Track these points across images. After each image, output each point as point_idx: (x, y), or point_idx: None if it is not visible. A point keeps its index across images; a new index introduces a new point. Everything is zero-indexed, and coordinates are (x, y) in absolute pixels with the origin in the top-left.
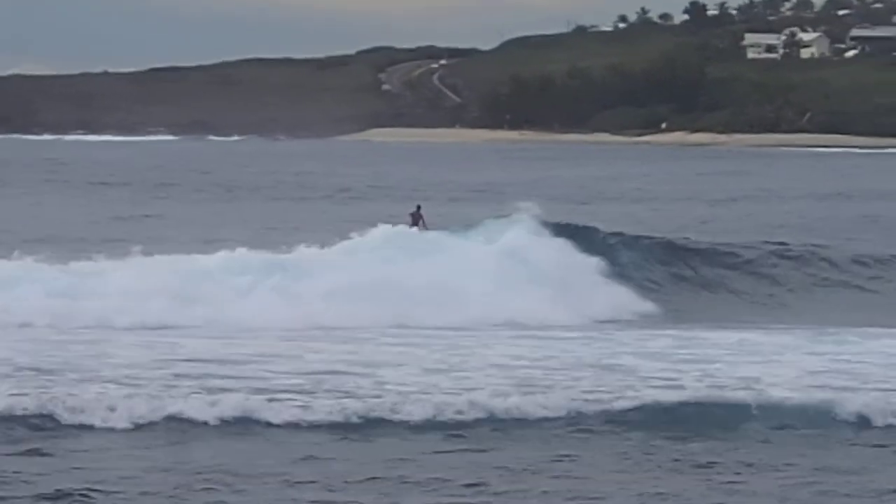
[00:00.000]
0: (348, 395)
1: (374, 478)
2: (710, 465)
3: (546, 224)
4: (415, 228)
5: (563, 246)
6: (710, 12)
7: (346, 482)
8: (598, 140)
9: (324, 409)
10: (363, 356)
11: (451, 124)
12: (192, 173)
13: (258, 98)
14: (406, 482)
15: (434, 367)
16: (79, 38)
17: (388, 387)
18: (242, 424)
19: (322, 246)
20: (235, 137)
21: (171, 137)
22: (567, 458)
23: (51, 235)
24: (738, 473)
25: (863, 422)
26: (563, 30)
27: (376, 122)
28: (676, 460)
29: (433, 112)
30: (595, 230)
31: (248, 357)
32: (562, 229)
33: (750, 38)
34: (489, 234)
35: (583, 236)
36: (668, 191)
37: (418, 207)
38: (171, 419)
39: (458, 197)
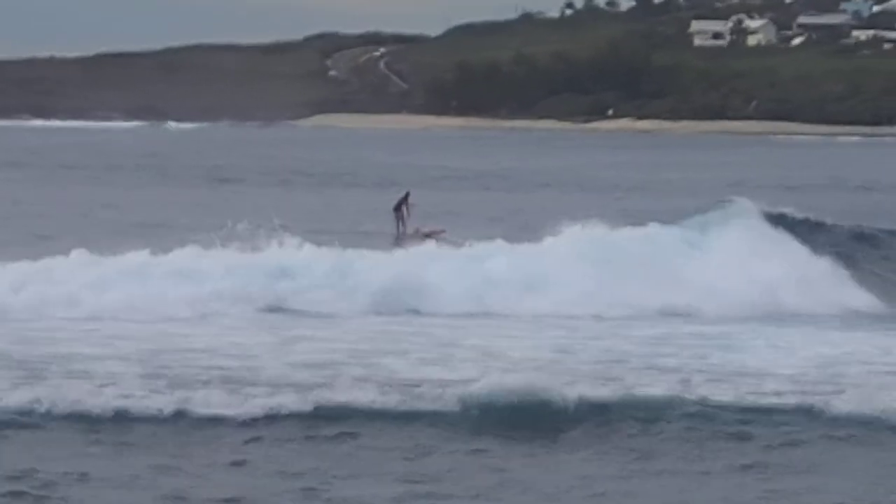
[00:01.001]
0: None
1: None
2: None
3: (772, 216)
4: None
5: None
6: None
7: None
8: (544, 127)
9: None
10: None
11: (397, 110)
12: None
13: (205, 84)
14: None
15: None
16: (25, 23)
17: None
18: None
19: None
20: (191, 124)
21: (126, 123)
22: None
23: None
24: None
25: None
26: (510, 16)
27: (323, 108)
28: None
29: (379, 98)
30: (823, 223)
31: None
32: (796, 223)
33: (696, 25)
34: (707, 227)
35: (816, 230)
36: (710, 178)
37: (407, 194)
38: None
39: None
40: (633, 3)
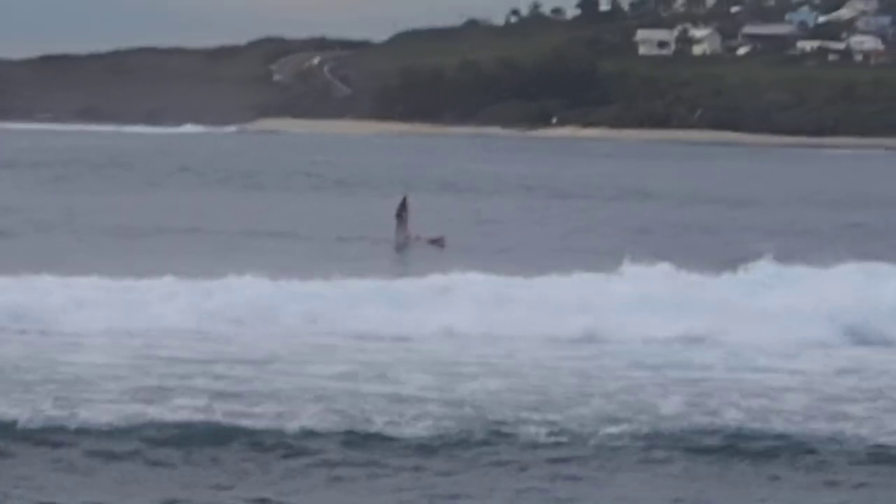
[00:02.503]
0: None
1: None
2: None
3: None
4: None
5: None
6: (603, 7)
7: None
8: (489, 133)
9: None
10: None
11: (341, 115)
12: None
13: (151, 87)
14: None
15: None
16: None
17: None
18: None
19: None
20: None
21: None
22: None
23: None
24: None
25: None
26: (456, 22)
27: (267, 112)
28: None
29: (324, 103)
30: None
31: None
32: None
33: (642, 33)
34: None
35: None
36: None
37: (404, 198)
38: None
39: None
40: (579, 11)
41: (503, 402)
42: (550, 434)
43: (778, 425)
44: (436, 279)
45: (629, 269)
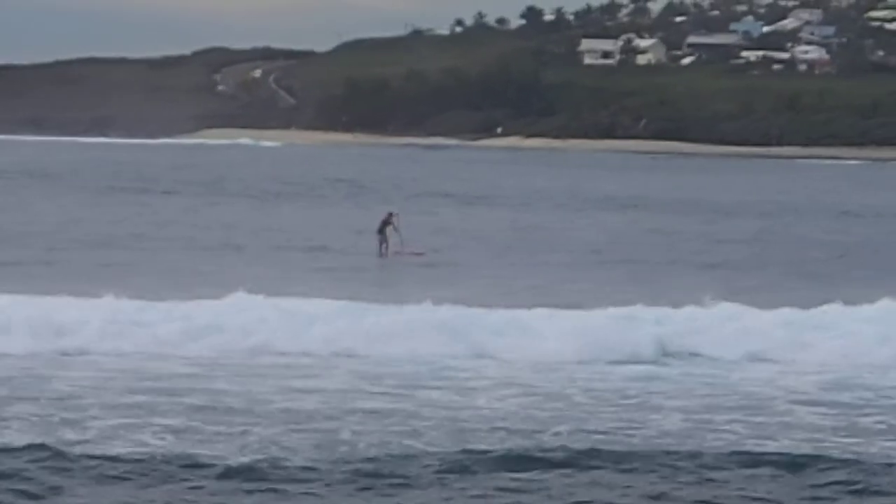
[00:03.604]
0: None
1: None
2: None
3: None
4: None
5: None
6: (547, 17)
7: None
8: (434, 143)
9: None
10: None
11: (286, 126)
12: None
13: (95, 97)
14: None
15: None
16: None
17: None
18: None
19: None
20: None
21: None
22: None
23: None
24: None
25: None
26: (401, 32)
27: (211, 122)
28: None
29: (268, 113)
30: None
31: None
32: None
33: (586, 43)
34: None
35: None
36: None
37: (390, 214)
38: None
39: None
40: (524, 21)
41: None
42: None
43: None
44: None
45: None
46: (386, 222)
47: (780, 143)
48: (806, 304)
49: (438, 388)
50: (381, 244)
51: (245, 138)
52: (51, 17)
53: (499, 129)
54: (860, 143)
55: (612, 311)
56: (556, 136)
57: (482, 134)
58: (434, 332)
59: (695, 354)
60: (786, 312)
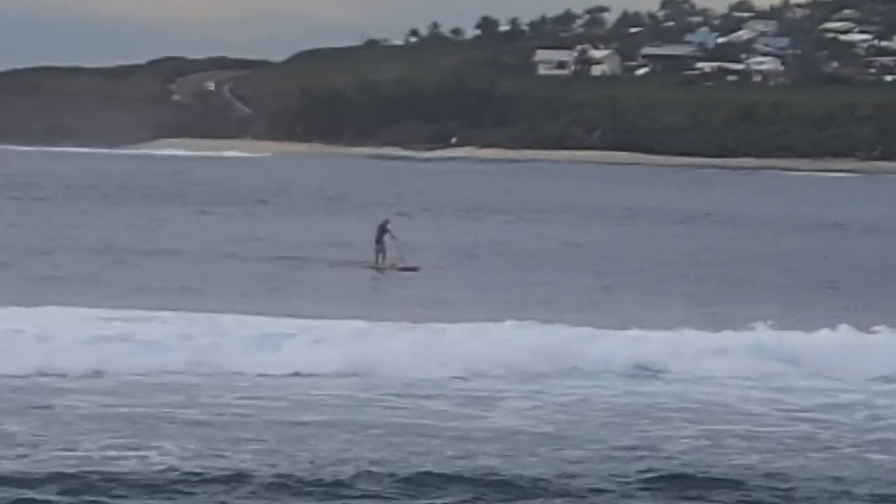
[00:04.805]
0: None
1: None
2: None
3: None
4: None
5: None
6: (502, 28)
7: None
8: (387, 154)
9: None
10: None
11: (240, 135)
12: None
13: (48, 107)
14: None
15: None
16: None
17: None
18: None
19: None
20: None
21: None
22: None
23: None
24: None
25: None
26: (355, 42)
27: (165, 132)
28: None
29: (222, 123)
30: None
31: None
32: None
33: (541, 54)
34: None
35: None
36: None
37: (386, 222)
38: None
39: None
40: (478, 32)
41: None
42: None
43: None
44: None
45: None
46: (383, 230)
47: (734, 155)
48: None
49: None
50: (378, 255)
51: (206, 150)
52: (4, 25)
53: (453, 140)
54: (814, 155)
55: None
56: (510, 147)
57: (436, 144)
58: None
59: None
60: None
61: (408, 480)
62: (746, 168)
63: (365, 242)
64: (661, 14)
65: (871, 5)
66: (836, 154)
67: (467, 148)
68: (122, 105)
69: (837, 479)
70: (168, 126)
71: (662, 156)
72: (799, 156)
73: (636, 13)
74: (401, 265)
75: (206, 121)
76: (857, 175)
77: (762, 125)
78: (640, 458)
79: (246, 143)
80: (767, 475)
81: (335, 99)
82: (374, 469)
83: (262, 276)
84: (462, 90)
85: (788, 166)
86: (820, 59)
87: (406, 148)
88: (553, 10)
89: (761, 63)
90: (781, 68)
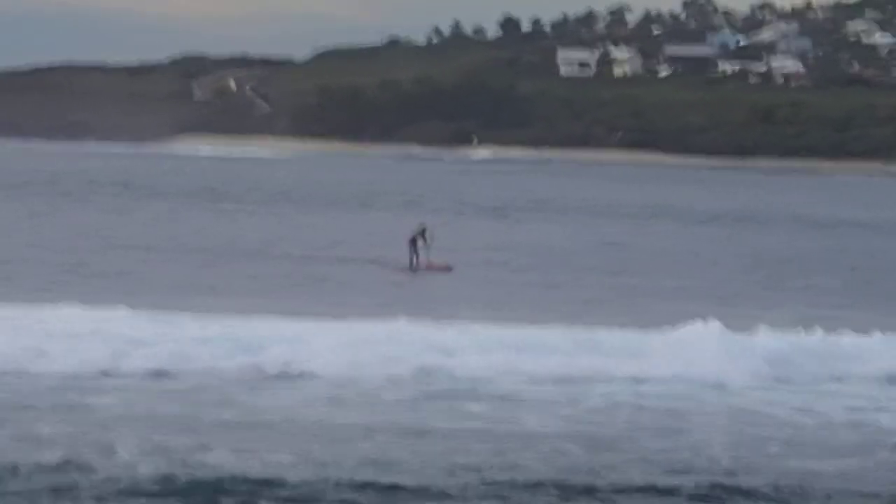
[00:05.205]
0: None
1: None
2: None
3: None
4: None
5: None
6: (524, 27)
7: None
8: (409, 153)
9: None
10: None
11: (260, 134)
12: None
13: (71, 103)
14: None
15: None
16: None
17: None
18: None
19: None
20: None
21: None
22: None
23: None
24: None
25: None
26: (377, 42)
27: (187, 129)
28: None
29: (243, 121)
30: None
31: None
32: None
33: (563, 54)
34: None
35: None
36: None
37: (424, 230)
38: None
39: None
40: (500, 32)
41: None
42: None
43: None
44: None
45: None
46: (418, 234)
47: (754, 155)
48: None
49: None
50: (413, 256)
51: (228, 147)
52: (27, 23)
53: (474, 140)
54: (834, 156)
55: None
56: (531, 147)
57: (457, 143)
58: None
59: None
60: None
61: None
62: (766, 168)
63: (399, 243)
64: (683, 14)
65: (892, 7)
66: (856, 155)
67: (488, 147)
68: (144, 103)
69: None
70: (189, 124)
71: (683, 156)
72: (819, 157)
73: (658, 13)
74: (434, 265)
75: (227, 119)
76: (875, 178)
77: (782, 126)
78: None
79: (267, 140)
80: None
81: (356, 98)
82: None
83: (291, 275)
84: (483, 90)
85: (808, 167)
86: (841, 60)
87: (426, 146)
88: (575, 10)
89: (783, 64)
90: (802, 70)
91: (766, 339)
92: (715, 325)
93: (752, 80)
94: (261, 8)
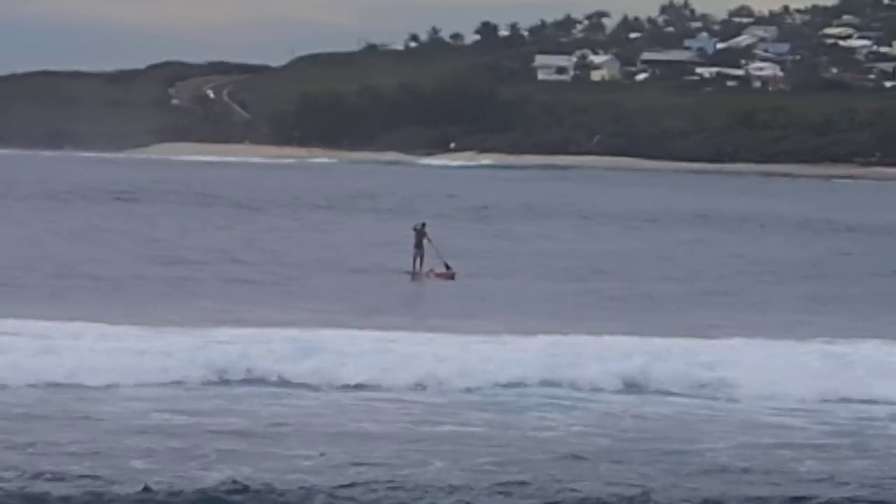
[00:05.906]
0: None
1: None
2: None
3: None
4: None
5: None
6: (502, 33)
7: None
8: (389, 160)
9: None
10: None
11: (239, 140)
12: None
13: (49, 110)
14: None
15: None
16: None
17: None
18: None
19: None
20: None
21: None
22: None
23: None
24: None
25: None
26: (355, 47)
27: (165, 136)
28: None
29: (222, 128)
30: None
31: None
32: None
33: (541, 59)
34: None
35: None
36: None
37: (423, 225)
38: None
39: None
40: (478, 37)
41: None
42: None
43: None
44: None
45: None
46: (421, 235)
47: (733, 160)
48: None
49: None
50: (415, 259)
51: (211, 155)
52: (5, 29)
53: (452, 145)
54: (813, 160)
55: None
56: (510, 152)
57: (436, 149)
58: None
59: None
60: None
61: None
62: (746, 173)
63: (403, 247)
64: (660, 19)
65: (870, 11)
66: (836, 159)
67: (467, 153)
68: (124, 109)
69: None
70: (169, 130)
71: (662, 161)
72: (798, 161)
73: (636, 18)
74: (437, 272)
75: (206, 125)
76: (856, 181)
77: (762, 130)
78: None
79: (245, 147)
80: None
81: (335, 104)
82: None
83: (299, 282)
84: (463, 95)
85: (788, 171)
86: (820, 64)
87: (405, 153)
88: (553, 16)
89: (761, 69)
90: (781, 74)
91: None
92: None
93: (731, 84)
94: (239, 15)
